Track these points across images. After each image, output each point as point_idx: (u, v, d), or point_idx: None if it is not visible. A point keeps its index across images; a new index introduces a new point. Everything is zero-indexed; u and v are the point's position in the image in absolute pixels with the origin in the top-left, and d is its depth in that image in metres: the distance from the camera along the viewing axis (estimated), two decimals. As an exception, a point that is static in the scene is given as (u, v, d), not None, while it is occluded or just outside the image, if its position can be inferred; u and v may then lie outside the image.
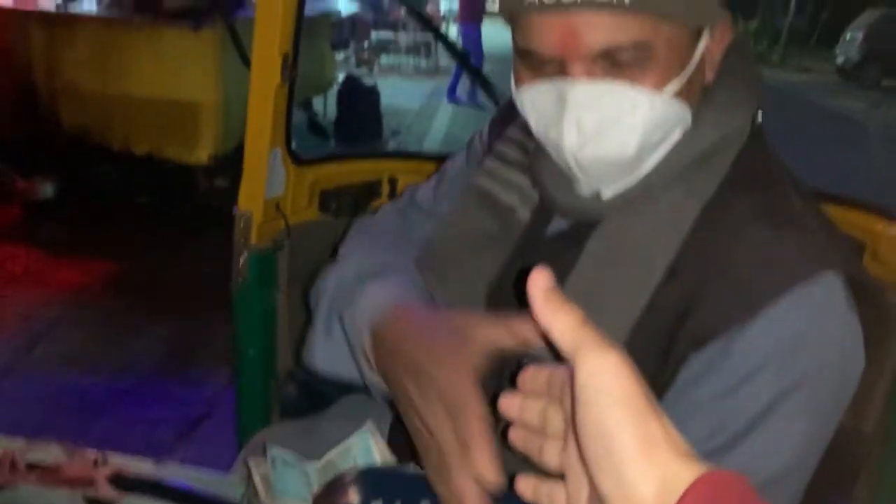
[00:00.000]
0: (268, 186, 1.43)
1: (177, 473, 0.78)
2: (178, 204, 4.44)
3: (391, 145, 6.86)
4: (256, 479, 0.89)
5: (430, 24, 1.77)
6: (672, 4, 0.74)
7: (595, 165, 0.79)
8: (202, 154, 4.29)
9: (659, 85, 0.75)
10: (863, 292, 0.79)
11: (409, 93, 9.32)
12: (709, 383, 0.76)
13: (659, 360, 0.78)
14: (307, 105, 6.56)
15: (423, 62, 11.73)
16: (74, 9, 4.61)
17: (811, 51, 18.92)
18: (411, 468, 0.76)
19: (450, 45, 2.14)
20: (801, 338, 0.75)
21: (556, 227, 0.88)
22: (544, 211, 0.89)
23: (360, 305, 0.83)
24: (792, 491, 0.81)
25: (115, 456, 0.82)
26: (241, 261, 1.44)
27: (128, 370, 2.91)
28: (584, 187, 0.83)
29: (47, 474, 0.67)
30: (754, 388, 0.75)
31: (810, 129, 9.25)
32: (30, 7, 4.58)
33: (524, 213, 0.90)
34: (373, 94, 6.77)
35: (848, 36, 15.48)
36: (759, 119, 0.87)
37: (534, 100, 0.80)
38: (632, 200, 0.81)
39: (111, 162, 4.44)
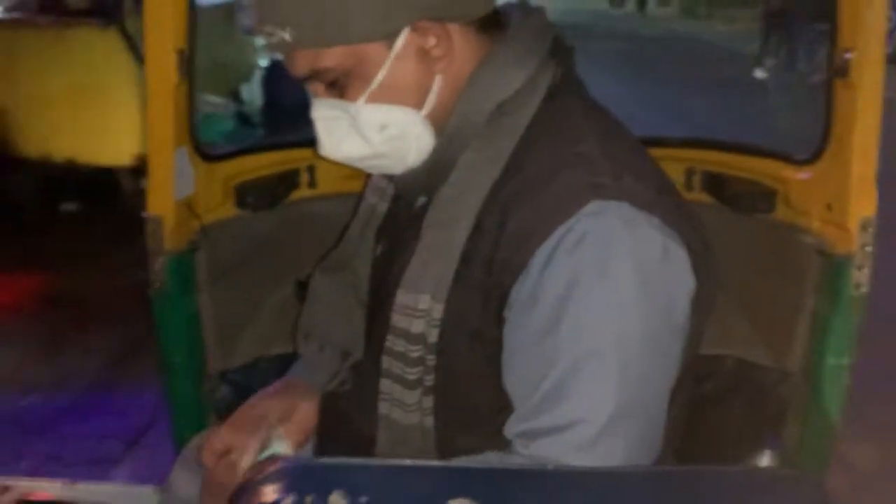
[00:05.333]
0: (176, 187, 1.39)
1: (91, 492, 0.76)
2: (104, 210, 4.31)
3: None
4: None
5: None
6: (337, 36, 0.89)
7: (355, 163, 0.98)
8: (125, 154, 4.16)
9: (354, 96, 0.92)
10: (673, 220, 0.87)
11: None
12: (524, 329, 0.86)
13: (480, 303, 0.90)
14: (236, 95, 6.42)
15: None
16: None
17: (736, 1, 19.21)
18: (322, 460, 0.79)
19: None
20: (579, 270, 0.83)
21: (419, 203, 1.03)
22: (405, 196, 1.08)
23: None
24: (641, 428, 0.86)
25: (23, 481, 0.80)
26: (157, 266, 1.40)
27: (65, 386, 2.82)
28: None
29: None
30: (560, 328, 0.83)
31: (737, 78, 9.44)
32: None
33: (382, 206, 1.15)
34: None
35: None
36: (561, 74, 0.95)
37: None
38: (440, 165, 0.95)
39: (30, 171, 4.28)
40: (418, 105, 0.93)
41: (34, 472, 2.33)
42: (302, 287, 1.60)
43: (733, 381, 1.57)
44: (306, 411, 1.13)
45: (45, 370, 2.93)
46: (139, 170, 4.41)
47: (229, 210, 1.56)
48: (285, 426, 1.11)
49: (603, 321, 0.83)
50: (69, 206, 4.46)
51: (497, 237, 0.88)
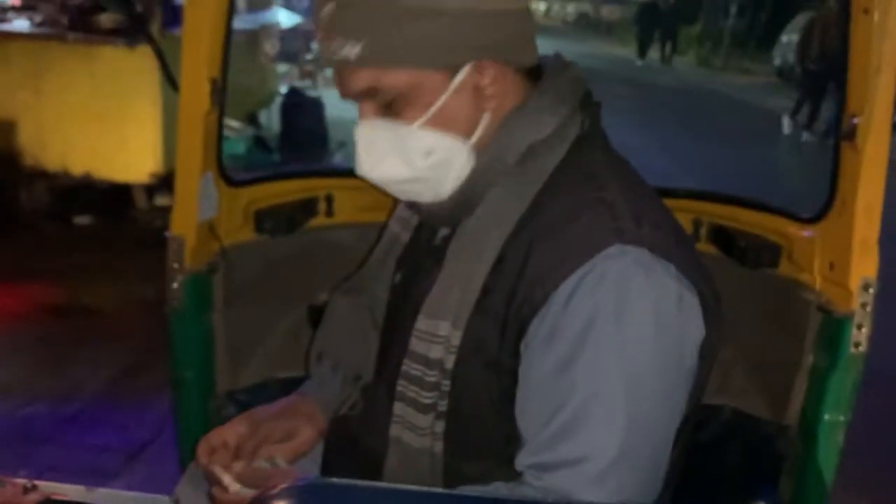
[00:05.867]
0: (200, 210, 1.43)
1: (109, 497, 0.79)
2: (116, 224, 4.37)
3: (337, 158, 6.84)
4: None
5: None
6: (404, 58, 0.93)
7: (389, 186, 1.02)
8: (142, 172, 4.24)
9: (410, 119, 0.96)
10: (688, 270, 0.91)
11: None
12: (541, 364, 0.90)
13: (499, 333, 0.94)
14: (253, 119, 6.53)
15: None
16: (6, 27, 4.51)
17: (751, 53, 19.41)
18: (331, 480, 0.82)
19: None
20: (597, 309, 0.86)
21: (440, 235, 1.08)
22: (430, 227, 1.12)
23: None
24: (647, 465, 0.90)
25: (47, 483, 0.83)
26: (176, 285, 1.44)
27: (70, 397, 2.86)
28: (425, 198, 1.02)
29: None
30: (577, 365, 0.87)
31: (746, 130, 9.52)
32: (-40, 26, 4.47)
33: (405, 236, 1.19)
34: (317, 106, 6.75)
35: (784, 39, 15.84)
36: (588, 125, 1.01)
37: None
38: (468, 198, 0.99)
39: (46, 183, 4.35)
40: (466, 137, 0.98)
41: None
42: (314, 313, 1.64)
43: (730, 432, 1.60)
44: (306, 436, 1.16)
45: (52, 380, 2.96)
46: (154, 187, 4.49)
47: (248, 234, 1.60)
48: (282, 447, 1.14)
49: (617, 361, 0.87)
50: (82, 220, 4.52)
51: (520, 271, 0.92)
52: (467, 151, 0.98)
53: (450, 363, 0.96)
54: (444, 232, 1.07)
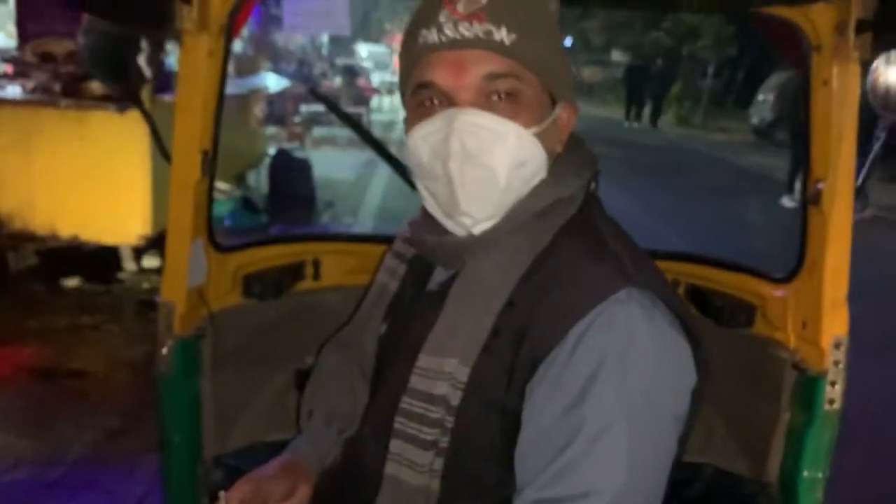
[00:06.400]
0: (190, 276, 1.47)
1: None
2: (104, 287, 4.38)
3: (325, 217, 6.92)
4: None
5: (330, 104, 1.97)
6: (538, 65, 0.98)
7: (473, 185, 0.98)
8: (130, 234, 4.27)
9: (526, 125, 0.98)
10: (685, 318, 0.96)
11: (343, 164, 9.43)
12: (550, 402, 0.91)
13: (506, 375, 0.96)
14: (241, 180, 6.61)
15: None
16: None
17: (729, 112, 19.87)
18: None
19: (353, 123, 2.20)
20: (607, 350, 0.89)
21: (435, 282, 1.11)
22: (420, 276, 1.15)
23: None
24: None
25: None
26: (165, 350, 1.46)
27: (55, 461, 2.82)
28: (462, 221, 1.01)
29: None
30: (585, 403, 0.89)
31: (725, 186, 9.71)
32: (-47, 92, 4.55)
33: (393, 286, 1.21)
34: (304, 167, 6.86)
35: (760, 97, 16.20)
36: (593, 188, 1.09)
37: (425, 133, 1.00)
38: (485, 243, 1.01)
39: (35, 245, 4.38)
40: (545, 164, 1.03)
41: (14, 550, 2.32)
42: (301, 376, 1.66)
43: (713, 490, 1.62)
44: (304, 494, 1.18)
45: (35, 444, 2.92)
46: (142, 249, 4.52)
47: (236, 299, 1.63)
48: None
49: (623, 401, 0.89)
50: (70, 282, 4.53)
51: (530, 314, 0.95)
52: (544, 175, 1.02)
53: (456, 399, 0.97)
54: (439, 278, 1.10)
